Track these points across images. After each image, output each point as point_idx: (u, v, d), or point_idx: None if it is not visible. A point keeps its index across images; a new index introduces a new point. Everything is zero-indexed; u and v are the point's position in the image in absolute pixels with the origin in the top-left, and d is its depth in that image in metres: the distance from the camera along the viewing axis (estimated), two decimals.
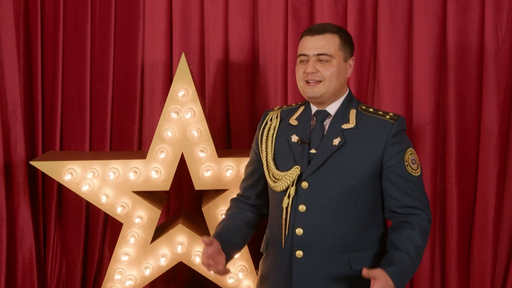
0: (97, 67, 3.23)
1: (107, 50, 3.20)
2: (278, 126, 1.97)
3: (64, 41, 3.22)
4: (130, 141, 3.25)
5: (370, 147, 1.84)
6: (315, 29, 1.89)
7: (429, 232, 1.86)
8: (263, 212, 2.06)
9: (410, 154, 1.87)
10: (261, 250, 2.05)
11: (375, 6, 3.02)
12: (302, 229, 1.85)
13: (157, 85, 3.21)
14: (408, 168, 1.84)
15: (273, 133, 1.96)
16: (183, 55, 2.73)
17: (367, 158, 1.84)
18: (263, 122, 2.02)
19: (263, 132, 1.99)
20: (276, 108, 2.06)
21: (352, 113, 1.90)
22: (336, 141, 1.85)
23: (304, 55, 1.88)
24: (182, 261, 2.85)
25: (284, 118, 1.99)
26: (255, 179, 2.04)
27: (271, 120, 2.00)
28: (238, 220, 2.03)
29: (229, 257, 1.91)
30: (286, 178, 1.86)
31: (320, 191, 1.83)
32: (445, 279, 3.09)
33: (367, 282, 1.83)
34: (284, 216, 1.87)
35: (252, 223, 2.04)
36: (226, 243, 1.90)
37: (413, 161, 1.87)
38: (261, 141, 1.98)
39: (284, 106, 2.06)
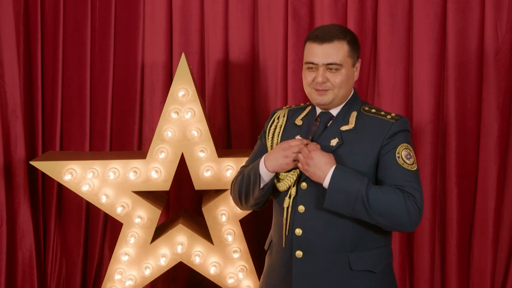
0: (97, 67, 3.23)
1: (107, 50, 3.20)
2: (284, 125, 1.99)
3: (64, 41, 3.22)
4: (130, 141, 3.25)
5: (367, 146, 1.84)
6: (322, 36, 1.85)
7: (412, 213, 1.76)
8: None
9: (404, 148, 1.83)
10: (265, 247, 2.07)
11: (375, 6, 3.02)
12: (301, 229, 1.86)
13: (157, 85, 3.21)
14: (400, 161, 1.80)
15: (279, 132, 1.98)
16: (183, 55, 2.73)
17: (365, 159, 1.83)
18: (270, 120, 2.04)
19: (269, 130, 2.01)
20: (284, 107, 2.08)
21: (353, 115, 1.90)
22: (334, 142, 1.86)
23: (312, 63, 1.86)
24: (182, 261, 2.85)
25: (290, 118, 2.00)
26: None
27: (278, 118, 2.02)
28: None
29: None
30: (288, 178, 1.87)
31: (318, 192, 1.84)
32: (445, 279, 3.09)
33: (367, 282, 1.84)
34: (284, 216, 1.89)
35: None
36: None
37: (408, 156, 1.83)
38: (267, 139, 2.00)
39: (293, 106, 2.08)
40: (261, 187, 1.91)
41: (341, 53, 1.85)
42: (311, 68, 1.87)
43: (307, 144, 1.83)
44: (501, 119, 2.94)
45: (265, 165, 1.88)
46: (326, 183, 1.77)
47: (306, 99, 2.92)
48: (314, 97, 1.89)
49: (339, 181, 1.76)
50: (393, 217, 1.77)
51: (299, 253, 1.86)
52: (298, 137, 1.92)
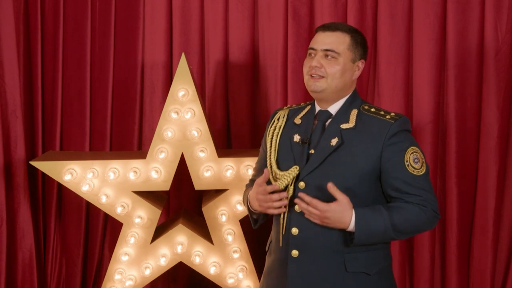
0: (97, 67, 3.23)
1: (107, 50, 3.20)
2: (284, 126, 1.99)
3: (64, 41, 3.22)
4: (130, 141, 3.25)
5: (367, 148, 1.83)
6: (328, 26, 1.91)
7: (433, 220, 1.83)
8: None
9: (412, 153, 1.83)
10: (266, 248, 2.07)
11: (375, 6, 3.02)
12: (298, 228, 1.86)
13: (157, 85, 3.21)
14: (410, 168, 1.81)
15: (278, 133, 1.98)
16: (183, 55, 2.73)
17: (365, 159, 1.82)
18: (271, 121, 2.05)
19: (269, 131, 2.02)
20: (285, 108, 2.08)
21: (353, 113, 1.89)
22: (334, 142, 1.85)
23: (312, 49, 1.89)
24: (182, 261, 2.85)
25: (290, 118, 2.01)
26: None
27: (278, 119, 2.03)
28: None
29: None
30: (284, 178, 1.87)
31: (315, 191, 1.83)
32: (445, 279, 3.09)
33: (361, 284, 1.84)
34: (282, 215, 1.89)
35: None
36: None
37: (416, 160, 1.82)
38: (267, 141, 2.00)
39: (294, 106, 2.08)
40: (255, 217, 2.01)
41: (341, 44, 1.86)
42: (311, 54, 1.90)
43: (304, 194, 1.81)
44: (501, 119, 2.94)
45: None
46: (350, 229, 1.78)
47: (306, 99, 2.93)
48: (309, 83, 1.90)
49: (365, 229, 1.77)
50: (417, 232, 1.89)
51: (295, 253, 1.86)
52: (296, 136, 1.92)
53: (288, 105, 2.12)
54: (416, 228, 1.84)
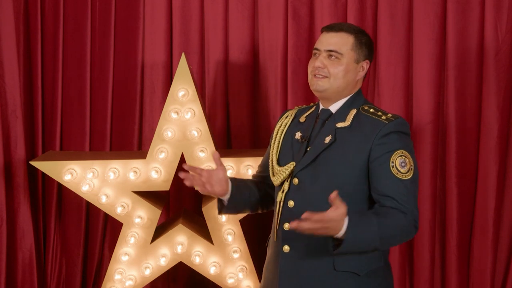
0: (97, 67, 3.23)
1: (107, 50, 3.21)
2: (290, 124, 2.02)
3: (64, 41, 3.22)
4: (130, 141, 3.26)
5: (358, 147, 1.82)
6: (332, 26, 1.92)
7: (411, 231, 1.77)
8: (270, 194, 2.06)
9: (400, 156, 1.79)
10: (266, 244, 2.09)
11: (375, 6, 3.02)
12: (289, 224, 1.86)
13: (157, 85, 3.21)
14: (394, 170, 1.77)
15: (283, 130, 2.01)
16: (183, 55, 2.73)
17: (355, 158, 1.82)
18: (279, 119, 2.08)
19: (276, 128, 2.04)
20: (296, 107, 2.11)
21: (351, 113, 1.90)
22: (327, 139, 1.86)
23: (316, 49, 1.91)
24: (182, 261, 2.85)
25: (297, 116, 2.03)
26: (266, 167, 2.05)
27: (286, 117, 2.05)
28: (250, 182, 2.09)
29: (233, 200, 1.97)
30: (281, 173, 1.90)
31: (308, 187, 1.85)
32: (445, 279, 3.09)
33: (350, 284, 1.83)
34: (276, 210, 1.92)
35: (259, 191, 2.06)
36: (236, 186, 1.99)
37: (403, 164, 1.78)
38: (272, 138, 2.03)
39: (304, 105, 2.10)
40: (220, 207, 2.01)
41: (344, 44, 1.87)
42: (315, 54, 1.91)
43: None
44: (501, 119, 2.94)
45: None
46: (339, 235, 1.69)
47: (306, 99, 2.93)
48: (311, 82, 1.91)
49: (354, 239, 1.69)
50: (394, 243, 1.86)
51: (286, 248, 1.88)
52: (298, 133, 1.94)
53: (299, 105, 2.14)
54: (398, 239, 1.81)
